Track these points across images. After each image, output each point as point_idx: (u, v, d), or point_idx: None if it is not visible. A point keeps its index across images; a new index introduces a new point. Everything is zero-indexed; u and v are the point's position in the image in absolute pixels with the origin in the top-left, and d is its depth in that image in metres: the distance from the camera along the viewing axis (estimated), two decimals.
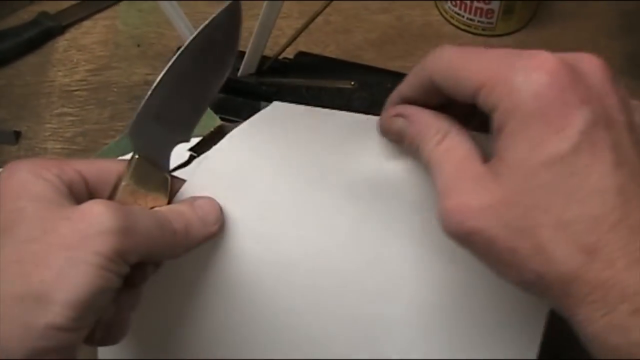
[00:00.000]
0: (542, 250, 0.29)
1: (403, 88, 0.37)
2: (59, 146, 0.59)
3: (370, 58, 0.62)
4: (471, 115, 0.35)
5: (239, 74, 0.58)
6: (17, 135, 0.59)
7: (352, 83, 0.54)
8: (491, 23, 0.63)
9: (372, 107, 0.50)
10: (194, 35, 0.37)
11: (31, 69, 0.63)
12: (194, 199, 0.38)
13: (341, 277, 0.40)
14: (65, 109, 0.61)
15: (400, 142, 0.37)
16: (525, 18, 0.65)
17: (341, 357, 0.40)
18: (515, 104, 0.31)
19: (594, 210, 0.29)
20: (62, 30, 0.65)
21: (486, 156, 0.33)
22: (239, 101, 0.59)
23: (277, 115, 0.40)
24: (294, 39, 0.58)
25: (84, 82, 0.62)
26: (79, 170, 0.35)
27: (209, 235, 0.38)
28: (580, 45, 0.64)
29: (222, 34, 0.37)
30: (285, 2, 0.54)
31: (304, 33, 0.58)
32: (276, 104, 0.41)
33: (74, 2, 0.67)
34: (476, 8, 0.62)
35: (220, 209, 0.39)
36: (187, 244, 0.36)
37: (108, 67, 0.63)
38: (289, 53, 0.59)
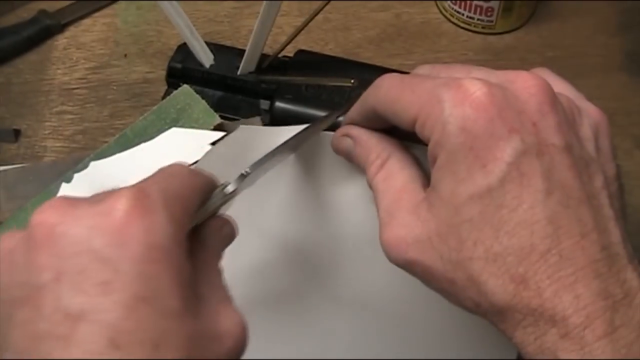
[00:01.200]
0: (475, 282, 0.30)
1: (351, 114, 0.38)
2: (58, 144, 0.59)
3: (369, 56, 0.62)
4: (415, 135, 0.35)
5: (238, 72, 0.58)
6: (17, 133, 0.59)
7: (352, 81, 0.54)
8: (491, 21, 0.63)
9: None
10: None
11: (30, 67, 0.63)
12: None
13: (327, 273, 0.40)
14: (64, 107, 0.61)
15: (350, 161, 0.38)
16: (525, 16, 0.65)
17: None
18: (444, 138, 0.31)
19: (523, 242, 0.30)
20: (61, 28, 0.65)
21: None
22: (239, 99, 0.59)
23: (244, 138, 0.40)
24: (293, 37, 0.58)
25: (84, 80, 0.62)
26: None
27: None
28: (580, 43, 0.64)
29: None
30: (285, 0, 0.54)
31: (304, 31, 0.58)
32: (242, 128, 0.40)
33: (73, 0, 0.67)
34: (476, 6, 0.62)
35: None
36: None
37: (108, 65, 0.63)
38: (289, 51, 0.59)
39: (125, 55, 0.63)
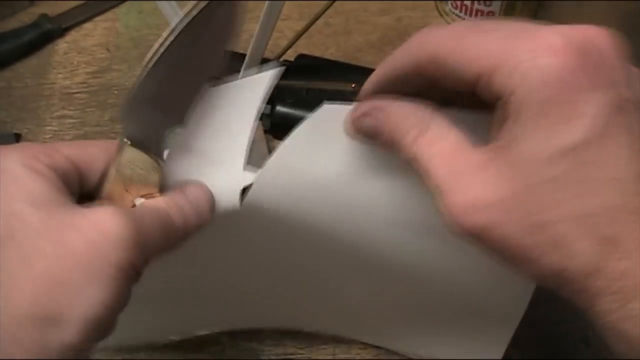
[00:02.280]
0: (560, 245, 0.28)
1: (374, 82, 0.34)
2: None
3: (370, 60, 0.62)
4: (452, 99, 0.33)
5: (239, 76, 0.58)
6: (18, 137, 0.59)
7: (353, 85, 0.54)
8: None
9: None
10: (186, 16, 0.35)
11: (31, 71, 0.63)
12: (185, 186, 0.36)
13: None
14: (65, 112, 0.61)
15: (373, 140, 0.34)
16: (526, 19, 0.65)
17: None
18: (522, 92, 0.28)
19: (611, 200, 0.28)
20: (62, 32, 0.65)
21: (476, 139, 0.31)
22: None
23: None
24: (294, 41, 0.58)
25: (84, 85, 0.62)
26: (69, 157, 0.33)
27: (202, 226, 0.35)
28: None
29: (218, 16, 0.34)
30: (286, 4, 0.54)
31: (305, 35, 0.58)
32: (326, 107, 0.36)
33: (74, 5, 0.67)
34: (477, 10, 0.62)
35: (212, 196, 0.36)
36: (184, 237, 0.35)
37: (108, 69, 0.63)
38: (290, 55, 0.59)
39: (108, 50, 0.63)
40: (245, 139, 0.37)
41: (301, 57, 0.60)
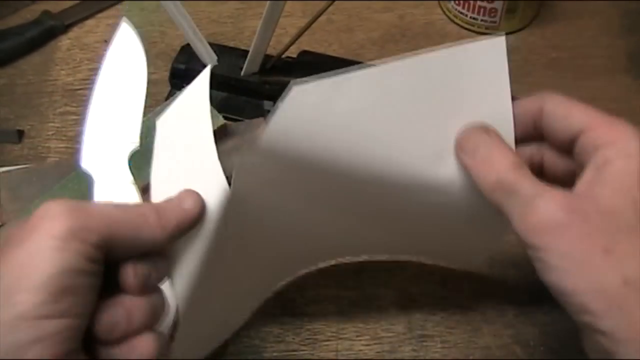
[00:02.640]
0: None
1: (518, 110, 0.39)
2: (62, 145, 0.59)
3: (373, 57, 0.62)
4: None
5: (242, 73, 0.58)
6: (20, 134, 0.59)
7: None
8: (494, 22, 0.63)
9: None
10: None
11: (34, 67, 0.63)
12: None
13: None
14: (68, 108, 0.61)
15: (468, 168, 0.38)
16: (529, 17, 0.65)
17: None
18: (619, 145, 0.34)
19: None
20: (65, 29, 0.65)
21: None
22: (242, 100, 0.59)
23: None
24: (297, 37, 0.58)
25: (87, 81, 0.62)
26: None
27: (191, 218, 0.37)
28: (583, 44, 0.64)
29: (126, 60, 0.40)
30: (288, 1, 0.54)
31: (307, 32, 0.58)
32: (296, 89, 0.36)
33: (76, 1, 0.67)
34: (479, 7, 0.62)
35: (197, 193, 0.37)
36: (165, 226, 0.36)
37: None
38: (292, 52, 0.59)
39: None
40: (209, 133, 0.40)
41: (304, 53, 0.60)
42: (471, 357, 0.47)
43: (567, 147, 0.37)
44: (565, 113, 0.37)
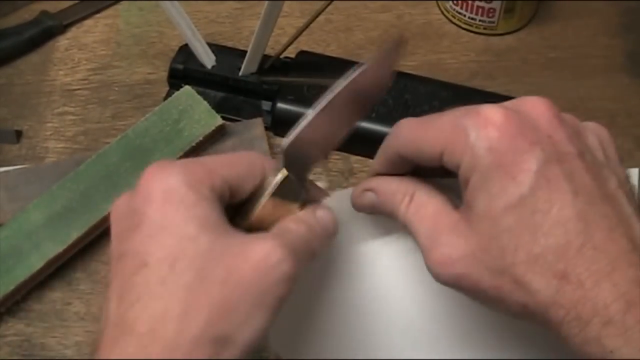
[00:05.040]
0: (521, 284, 0.33)
1: (375, 166, 0.40)
2: (60, 145, 0.59)
3: None
4: (439, 170, 0.38)
5: (240, 73, 0.58)
6: (19, 134, 0.59)
7: None
8: (492, 22, 0.63)
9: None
10: (357, 71, 0.39)
11: (32, 67, 0.63)
12: (314, 209, 0.39)
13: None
14: (66, 108, 0.61)
15: (374, 213, 0.40)
16: (527, 17, 0.65)
17: None
18: (474, 160, 0.34)
19: (559, 240, 0.32)
20: (63, 29, 0.65)
21: (458, 200, 0.37)
22: (240, 100, 0.59)
23: None
24: (295, 37, 0.58)
25: (85, 81, 0.62)
26: (224, 178, 0.35)
27: (327, 247, 0.39)
28: (581, 44, 0.64)
29: (379, 75, 0.39)
30: (287, 1, 0.54)
31: (305, 32, 0.58)
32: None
33: (75, 1, 0.67)
34: (477, 7, 0.62)
35: (335, 218, 0.39)
36: (314, 258, 0.37)
37: (109, 66, 0.63)
38: (291, 52, 0.59)
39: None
40: None
41: (302, 53, 0.60)
42: None
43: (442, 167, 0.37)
44: (416, 148, 0.37)
